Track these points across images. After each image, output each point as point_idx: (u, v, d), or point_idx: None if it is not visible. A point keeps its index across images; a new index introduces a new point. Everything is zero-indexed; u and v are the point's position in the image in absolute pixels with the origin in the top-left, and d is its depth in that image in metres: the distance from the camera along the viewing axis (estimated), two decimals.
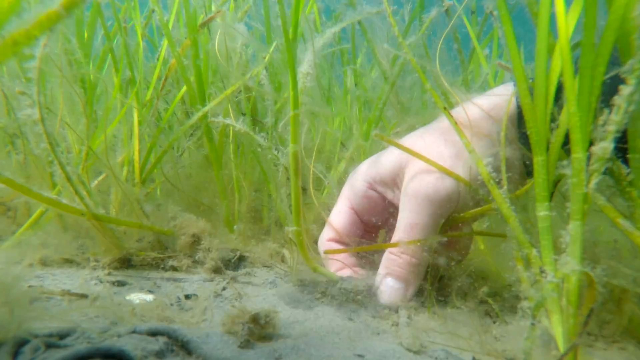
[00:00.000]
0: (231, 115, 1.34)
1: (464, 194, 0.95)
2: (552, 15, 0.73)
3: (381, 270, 1.01)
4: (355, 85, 1.79)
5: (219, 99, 1.31)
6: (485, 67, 1.52)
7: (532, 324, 0.68)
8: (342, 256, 1.09)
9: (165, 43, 1.46)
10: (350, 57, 1.85)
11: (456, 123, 0.91)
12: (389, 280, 0.99)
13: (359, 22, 1.48)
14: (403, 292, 0.98)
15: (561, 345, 0.69)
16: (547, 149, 0.76)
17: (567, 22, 0.71)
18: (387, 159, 1.04)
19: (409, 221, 0.96)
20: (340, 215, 1.10)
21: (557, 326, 0.70)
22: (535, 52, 0.74)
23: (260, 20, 1.64)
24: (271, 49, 1.49)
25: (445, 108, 0.90)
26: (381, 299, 0.98)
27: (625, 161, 0.77)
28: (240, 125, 1.17)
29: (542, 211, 0.75)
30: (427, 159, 0.94)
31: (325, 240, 1.12)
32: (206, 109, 1.29)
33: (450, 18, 1.38)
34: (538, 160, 0.76)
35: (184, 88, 1.42)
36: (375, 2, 1.26)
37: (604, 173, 0.73)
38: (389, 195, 1.05)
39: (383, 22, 1.36)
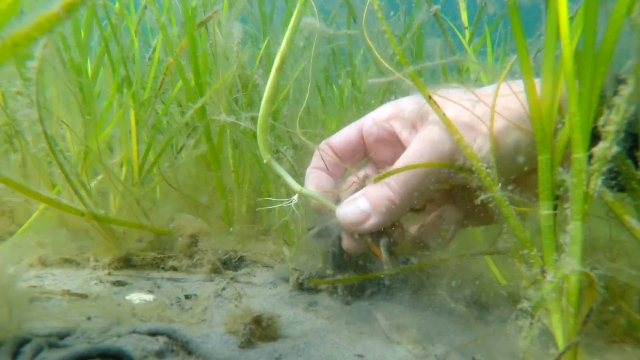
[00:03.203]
0: (221, 110, 1.34)
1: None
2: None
3: (360, 190, 0.96)
4: (353, 85, 1.80)
5: (208, 94, 1.31)
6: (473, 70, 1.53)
7: (531, 323, 0.68)
8: (322, 175, 1.04)
9: (159, 42, 1.47)
10: (345, 57, 1.85)
11: (443, 114, 0.86)
12: (361, 199, 0.93)
13: (355, 21, 1.48)
14: (365, 217, 0.92)
15: (561, 346, 0.69)
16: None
17: (567, 18, 0.71)
18: (409, 101, 1.01)
19: (403, 161, 0.92)
20: (343, 134, 1.05)
21: (557, 326, 0.70)
22: (543, 48, 0.74)
23: (253, 19, 1.65)
24: (264, 46, 1.49)
25: (430, 97, 0.86)
26: (341, 211, 0.93)
27: (635, 160, 0.77)
28: (242, 123, 1.17)
29: (544, 210, 0.75)
30: (445, 117, 0.87)
31: (311, 167, 1.06)
32: (198, 105, 1.30)
33: (439, 21, 1.39)
34: (542, 159, 0.76)
35: (179, 84, 1.42)
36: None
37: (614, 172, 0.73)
38: (404, 134, 1.00)
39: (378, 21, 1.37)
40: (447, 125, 0.85)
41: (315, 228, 1.01)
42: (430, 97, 0.86)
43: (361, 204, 0.92)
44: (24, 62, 1.10)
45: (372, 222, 0.92)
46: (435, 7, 1.20)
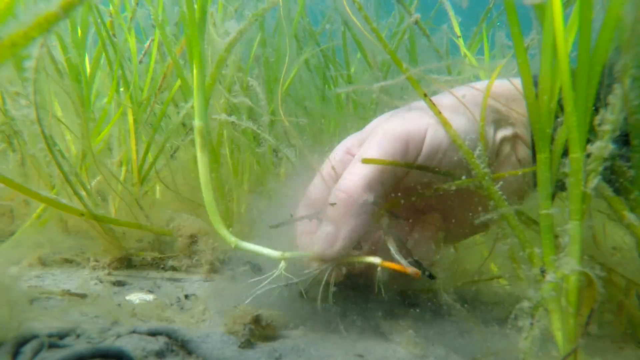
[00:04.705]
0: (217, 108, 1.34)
1: (442, 151, 0.85)
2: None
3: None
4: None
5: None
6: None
7: (531, 324, 0.68)
8: (313, 228, 0.92)
9: (156, 42, 1.47)
10: (340, 56, 1.86)
11: (434, 106, 0.85)
12: (324, 224, 0.84)
13: (347, 25, 1.49)
14: (333, 238, 0.82)
15: (561, 346, 0.69)
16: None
17: (562, 19, 0.71)
18: (368, 125, 0.96)
19: (357, 155, 0.86)
20: (316, 185, 0.97)
21: (557, 326, 0.70)
22: (540, 49, 0.74)
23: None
24: (255, 44, 1.49)
25: (425, 95, 0.84)
26: (313, 249, 0.85)
27: (628, 160, 0.77)
28: (243, 123, 1.18)
29: (544, 209, 0.75)
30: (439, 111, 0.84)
31: (302, 205, 0.97)
32: (189, 104, 1.30)
33: (420, 27, 1.40)
34: (541, 158, 0.76)
35: (178, 83, 1.42)
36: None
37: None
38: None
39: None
40: (444, 123, 0.85)
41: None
42: (425, 95, 0.85)
43: (325, 228, 0.84)
44: (22, 61, 1.10)
45: (342, 237, 0.82)
46: (416, 16, 1.21)
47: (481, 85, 0.94)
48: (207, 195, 0.90)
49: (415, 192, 0.90)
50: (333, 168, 0.93)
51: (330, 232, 0.83)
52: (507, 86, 0.92)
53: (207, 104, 0.94)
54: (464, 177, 0.85)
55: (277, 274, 0.84)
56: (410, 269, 0.81)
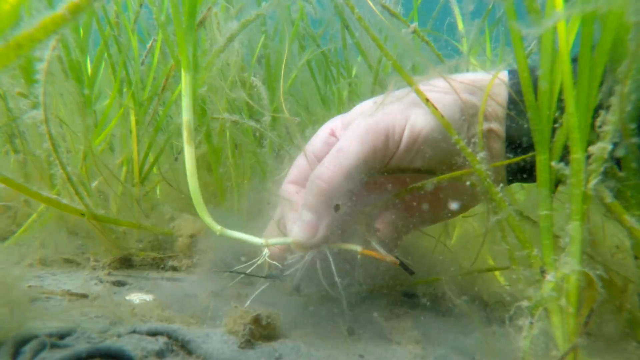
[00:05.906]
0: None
1: (431, 141, 0.88)
2: None
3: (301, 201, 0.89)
4: (349, 85, 1.80)
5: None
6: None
7: (531, 323, 0.68)
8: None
9: (159, 42, 1.47)
10: (342, 57, 1.86)
11: (436, 110, 0.85)
12: (304, 211, 0.85)
13: (347, 27, 1.49)
14: (314, 226, 0.84)
15: (561, 346, 0.69)
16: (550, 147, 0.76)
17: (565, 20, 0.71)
18: (353, 109, 0.99)
19: (337, 146, 0.87)
20: (301, 160, 0.98)
21: (557, 326, 0.70)
22: (540, 51, 0.74)
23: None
24: (259, 46, 1.49)
25: (427, 100, 0.84)
26: (292, 234, 0.86)
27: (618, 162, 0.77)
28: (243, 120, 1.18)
29: (543, 210, 0.75)
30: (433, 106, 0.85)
31: (287, 182, 0.99)
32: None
33: (419, 35, 1.41)
34: (541, 159, 0.76)
35: (179, 86, 1.42)
36: (363, 8, 1.27)
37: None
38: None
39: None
40: (439, 118, 0.84)
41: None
42: (427, 100, 0.85)
43: (304, 216, 0.85)
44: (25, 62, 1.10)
45: (324, 226, 0.85)
46: (413, 25, 1.22)
47: (463, 78, 0.94)
48: (192, 183, 0.92)
49: (402, 190, 0.93)
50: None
51: (312, 220, 0.85)
52: (485, 81, 0.92)
53: (194, 101, 0.97)
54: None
55: (262, 259, 0.87)
56: (388, 258, 0.85)
